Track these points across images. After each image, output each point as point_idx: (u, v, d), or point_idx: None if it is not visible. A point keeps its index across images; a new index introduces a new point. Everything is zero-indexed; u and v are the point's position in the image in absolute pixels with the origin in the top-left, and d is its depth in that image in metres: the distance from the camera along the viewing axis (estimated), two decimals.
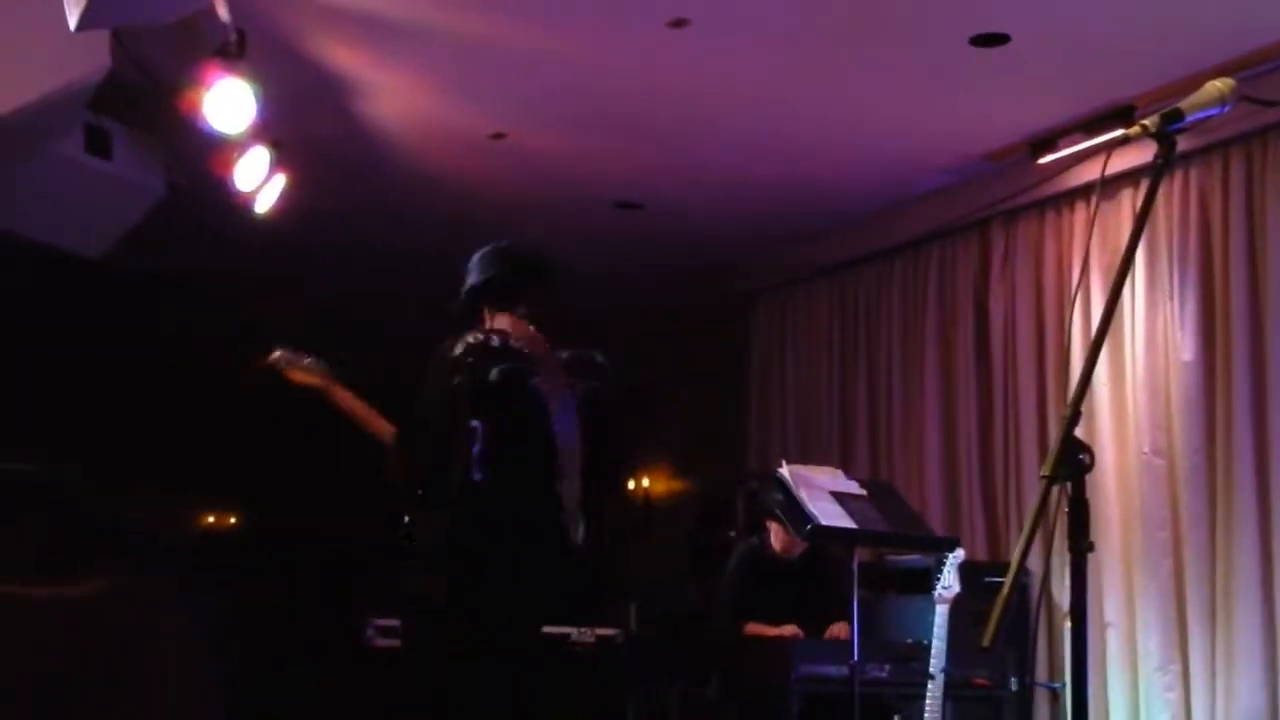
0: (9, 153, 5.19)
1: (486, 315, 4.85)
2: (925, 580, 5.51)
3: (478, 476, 4.52)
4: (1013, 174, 7.02)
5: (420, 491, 4.69)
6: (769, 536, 6.30)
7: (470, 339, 4.67)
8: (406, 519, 4.72)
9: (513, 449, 4.61)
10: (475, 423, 4.54)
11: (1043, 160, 6.72)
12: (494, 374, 4.63)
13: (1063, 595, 6.36)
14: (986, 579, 5.68)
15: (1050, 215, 7.06)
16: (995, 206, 7.25)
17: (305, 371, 5.07)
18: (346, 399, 4.99)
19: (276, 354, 5.07)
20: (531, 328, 4.78)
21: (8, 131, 4.91)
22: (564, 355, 4.84)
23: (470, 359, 4.61)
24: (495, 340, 4.67)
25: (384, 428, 4.90)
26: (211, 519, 13.42)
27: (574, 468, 4.67)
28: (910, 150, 7.05)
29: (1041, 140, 6.66)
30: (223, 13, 5.17)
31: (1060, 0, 5.43)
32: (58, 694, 1.04)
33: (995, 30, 5.62)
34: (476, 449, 4.53)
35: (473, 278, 4.96)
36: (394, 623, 6.69)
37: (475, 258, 5.02)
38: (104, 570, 1.10)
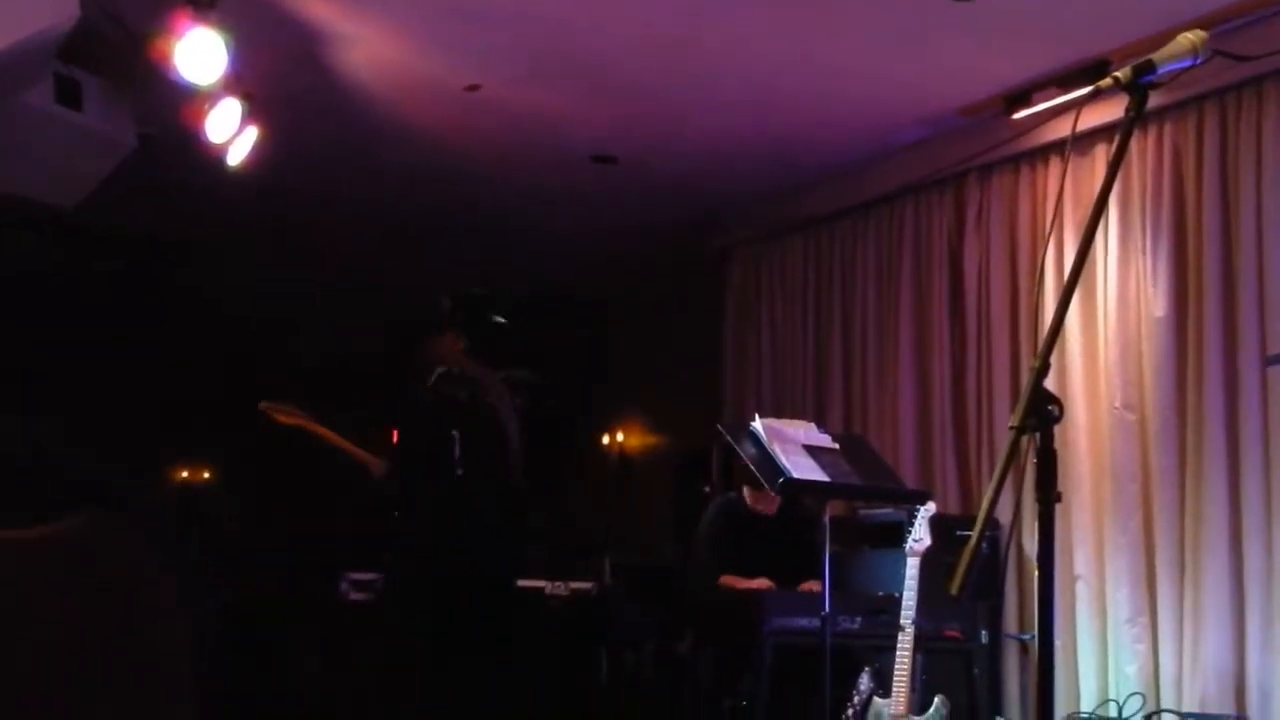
0: None
1: (447, 345, 6.16)
2: (898, 533, 5.53)
3: (460, 472, 5.92)
4: (988, 129, 7.02)
5: (410, 488, 6.05)
6: (744, 490, 6.31)
7: (440, 371, 6.09)
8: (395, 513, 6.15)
9: (482, 451, 6.01)
10: (454, 433, 5.95)
11: (1017, 115, 6.71)
12: (463, 396, 6.05)
13: (1033, 547, 6.40)
14: (958, 532, 5.71)
15: (1025, 170, 7.06)
16: (970, 161, 7.25)
17: (287, 414, 6.20)
18: (325, 433, 6.20)
19: (262, 405, 6.19)
20: (473, 358, 6.16)
21: None
22: (501, 375, 6.26)
23: (444, 386, 6.06)
24: (456, 370, 6.09)
25: (359, 452, 6.20)
26: (187, 474, 13.44)
27: (519, 461, 6.16)
28: (885, 104, 7.03)
29: (1016, 95, 6.65)
30: None
31: None
32: (45, 630, 1.04)
33: None
34: (457, 453, 5.92)
35: (446, 317, 6.26)
36: (369, 577, 6.74)
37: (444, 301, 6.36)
38: (82, 514, 1.10)
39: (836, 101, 7.00)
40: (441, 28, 6.24)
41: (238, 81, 5.81)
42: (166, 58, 5.38)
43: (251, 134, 6.19)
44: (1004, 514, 6.05)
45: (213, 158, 6.16)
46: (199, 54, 5.35)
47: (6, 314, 8.05)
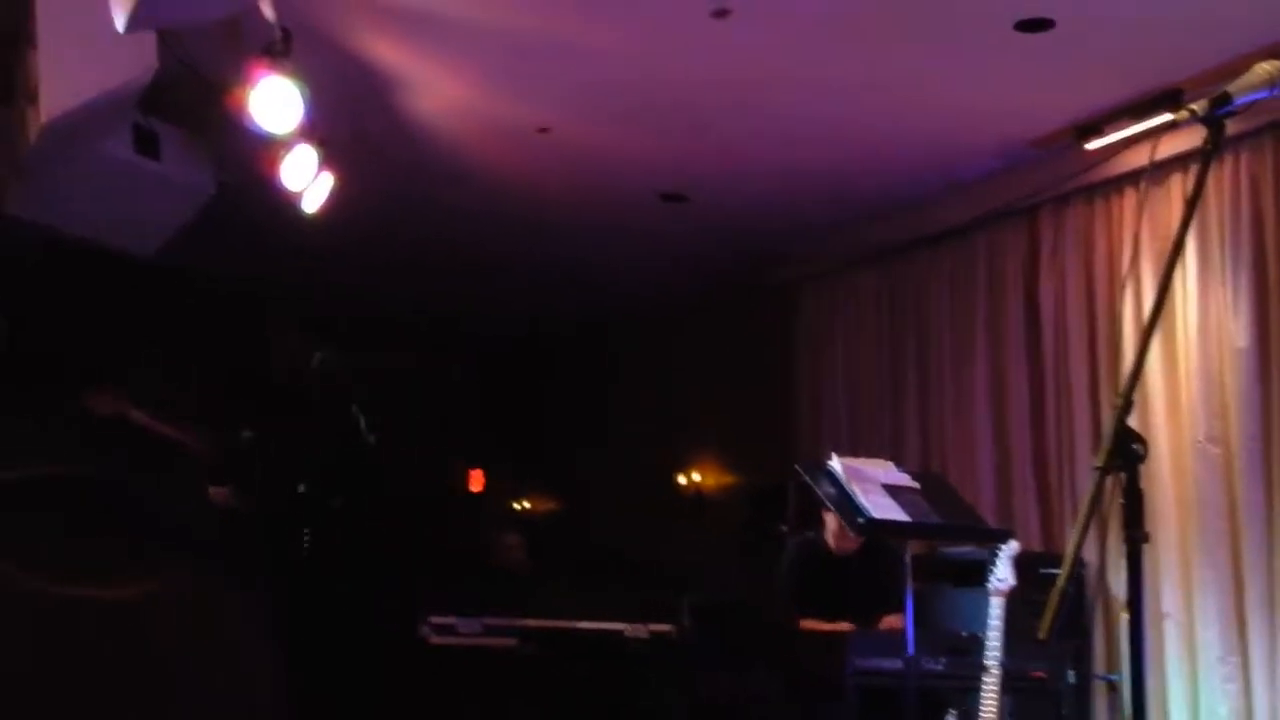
0: (60, 154, 5.23)
1: None
2: (980, 572, 5.44)
3: None
4: (1060, 160, 6.95)
5: None
6: (824, 530, 6.27)
7: None
8: None
9: None
10: None
11: (1090, 146, 6.65)
12: None
13: (1119, 586, 6.29)
14: (1041, 570, 5.62)
15: (1099, 201, 6.99)
16: (1043, 193, 7.19)
17: (104, 404, 5.90)
18: (145, 421, 5.91)
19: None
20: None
21: (59, 133, 4.94)
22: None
23: None
24: None
25: (170, 432, 6.11)
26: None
27: None
28: (956, 136, 6.99)
29: (1088, 125, 6.59)
30: (268, 11, 5.18)
31: None
32: (97, 701, 1.03)
33: (1040, 15, 5.57)
34: None
35: None
36: (451, 620, 6.72)
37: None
38: (157, 569, 1.10)
39: (907, 134, 6.97)
40: (511, 71, 6.29)
41: (312, 128, 5.87)
42: (242, 106, 5.45)
43: (327, 180, 6.25)
44: (1089, 550, 5.95)
45: (289, 204, 6.22)
46: (274, 102, 5.40)
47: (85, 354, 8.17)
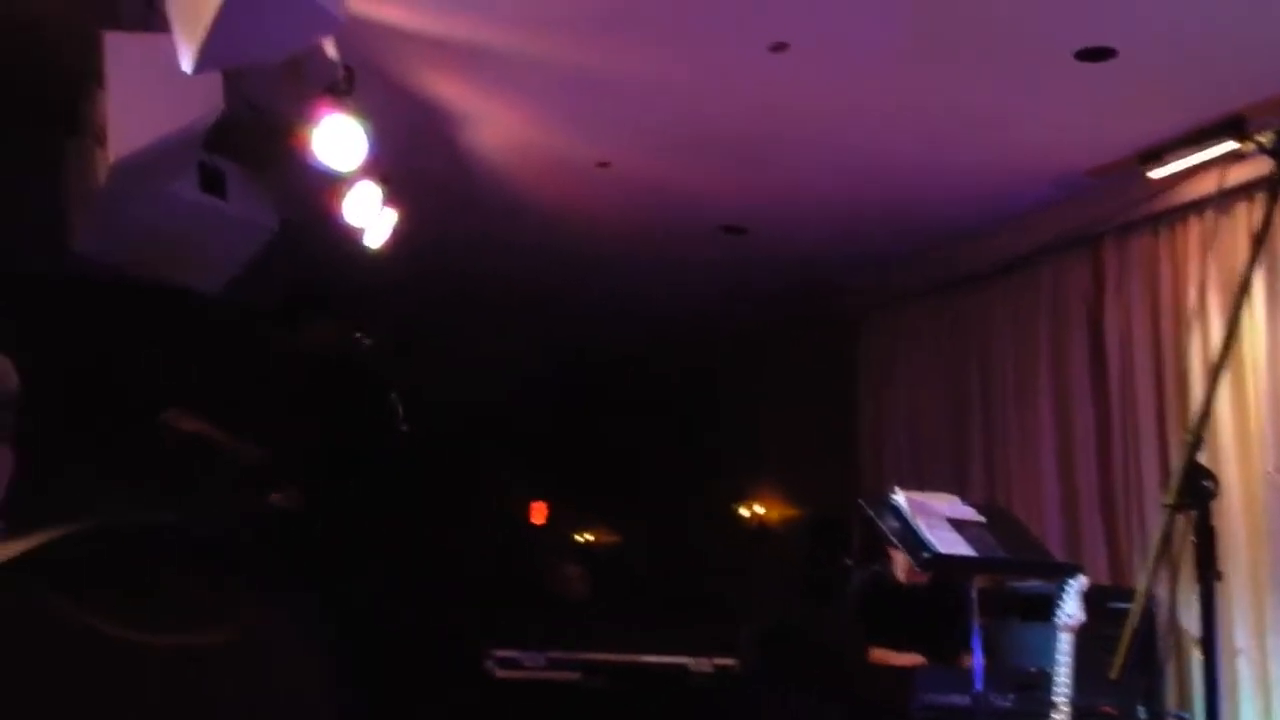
0: (128, 192, 5.30)
1: None
2: (1048, 606, 5.37)
3: None
4: (1123, 188, 6.89)
5: None
6: (890, 564, 6.22)
7: None
8: None
9: None
10: None
11: (1152, 174, 6.58)
12: None
13: (1190, 621, 6.19)
14: (1110, 604, 5.54)
15: (1164, 231, 6.91)
16: (1106, 222, 7.12)
17: (188, 422, 5.87)
18: (224, 440, 5.84)
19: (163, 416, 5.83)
20: None
21: (127, 172, 5.02)
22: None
23: None
24: None
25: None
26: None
27: None
28: (1017, 166, 6.95)
29: (1150, 153, 6.52)
30: (331, 51, 5.25)
31: (1165, 12, 5.32)
32: None
33: (1100, 44, 5.53)
34: None
35: None
36: (515, 654, 6.71)
37: None
38: (236, 616, 1.11)
39: (968, 164, 6.94)
40: (571, 106, 6.32)
41: (375, 164, 5.92)
42: (306, 144, 5.50)
43: (390, 217, 6.30)
44: (1159, 585, 5.86)
45: (351, 240, 6.27)
46: (337, 140, 5.46)
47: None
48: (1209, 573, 2.39)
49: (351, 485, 5.80)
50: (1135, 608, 2.30)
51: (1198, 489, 2.36)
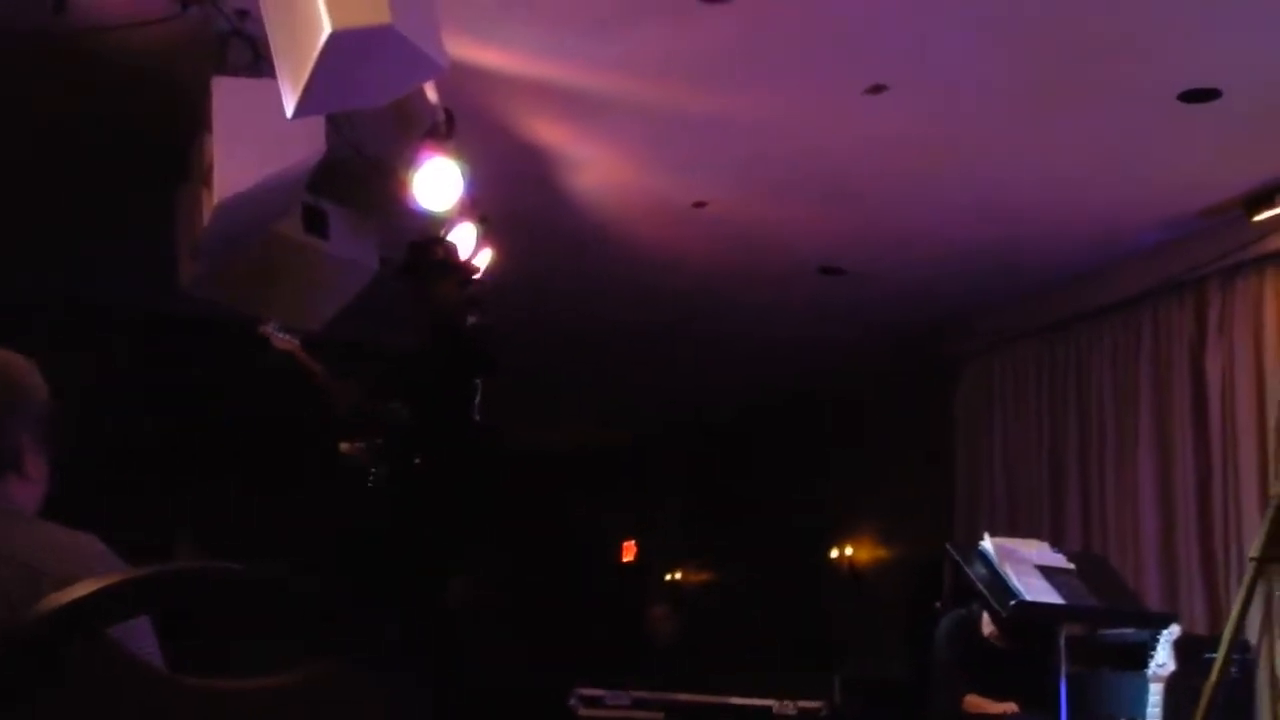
0: (232, 233, 5.43)
1: None
2: (1141, 655, 5.29)
3: None
4: (1228, 231, 6.80)
5: None
6: (982, 614, 6.14)
7: None
8: None
9: None
10: None
11: (1258, 217, 6.48)
12: None
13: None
14: (1206, 655, 5.42)
15: (1270, 273, 6.79)
16: (1211, 265, 7.02)
17: (286, 342, 5.85)
18: (313, 369, 5.79)
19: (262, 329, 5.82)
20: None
21: (231, 212, 5.14)
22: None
23: None
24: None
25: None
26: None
27: None
28: (1119, 208, 6.88)
29: (1256, 196, 6.44)
30: (431, 94, 5.35)
31: (1270, 54, 5.26)
32: None
33: (1205, 85, 5.48)
34: None
35: None
36: (600, 693, 6.74)
37: None
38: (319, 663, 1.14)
39: (1068, 206, 6.88)
40: (668, 147, 6.37)
41: (473, 205, 6.00)
42: (407, 186, 5.60)
43: (486, 257, 6.37)
44: (1252, 634, 5.74)
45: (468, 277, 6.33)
46: (437, 182, 5.54)
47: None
48: None
49: (423, 463, 5.78)
50: (1218, 662, 2.27)
51: None
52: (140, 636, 1.44)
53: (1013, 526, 7.18)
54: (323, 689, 1.19)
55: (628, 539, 12.54)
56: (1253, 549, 2.31)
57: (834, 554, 10.50)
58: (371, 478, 5.62)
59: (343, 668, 1.22)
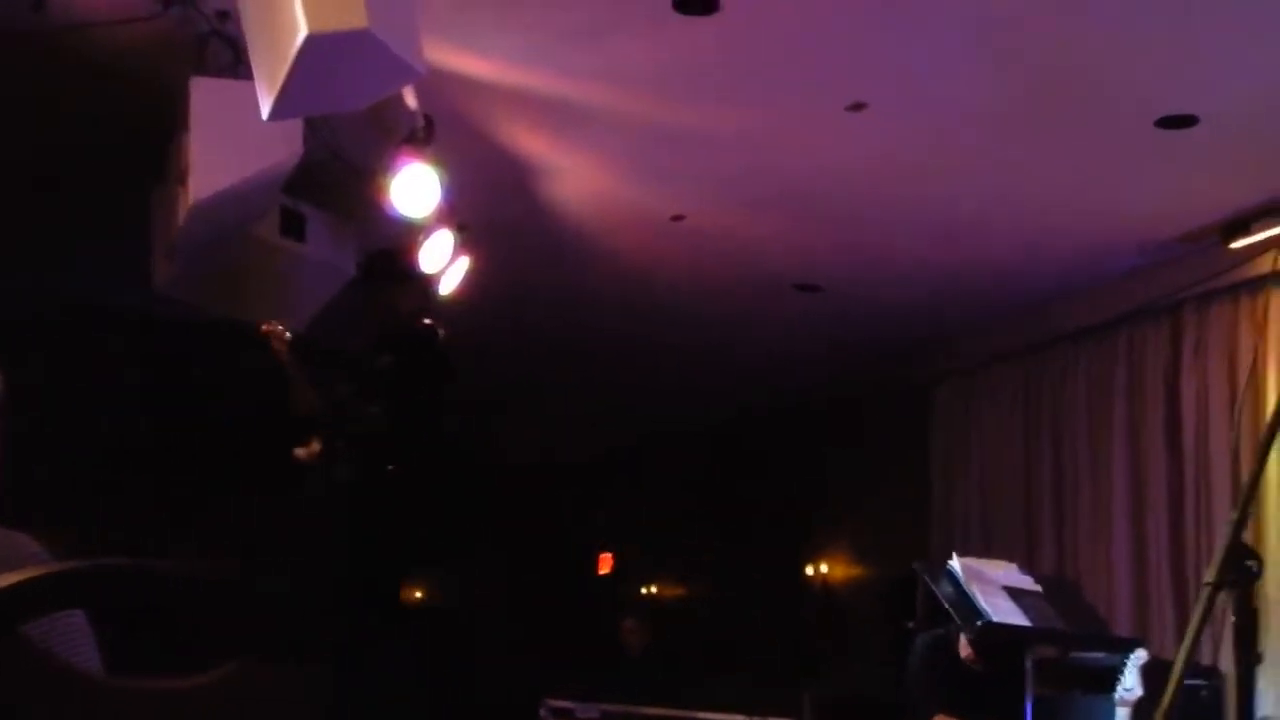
0: (208, 233, 5.41)
1: None
2: (1110, 679, 5.28)
3: None
4: (1204, 258, 6.81)
5: None
6: (958, 633, 6.13)
7: None
8: None
9: None
10: None
11: (1235, 244, 6.50)
12: None
13: (1260, 701, 6.05)
14: None
15: (1246, 300, 6.81)
16: (1186, 290, 7.03)
17: (281, 341, 5.86)
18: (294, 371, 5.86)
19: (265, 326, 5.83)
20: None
21: (207, 213, 5.12)
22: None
23: None
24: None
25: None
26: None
27: None
28: (1096, 233, 6.90)
29: (1233, 224, 6.45)
30: (411, 100, 5.33)
31: (1248, 81, 5.27)
32: None
33: (1182, 112, 5.49)
34: None
35: None
36: (569, 705, 6.72)
37: None
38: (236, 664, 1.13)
39: (1045, 230, 6.90)
40: (647, 159, 6.36)
41: (451, 212, 5.99)
42: (384, 191, 5.58)
43: (463, 264, 6.36)
44: (1224, 660, 5.73)
45: (425, 286, 6.33)
46: (414, 188, 5.53)
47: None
48: (1249, 656, 2.34)
49: (395, 466, 5.76)
50: (1168, 691, 2.26)
51: (1240, 568, 2.32)
52: (72, 636, 1.43)
53: (986, 547, 7.17)
54: (235, 687, 1.18)
55: (605, 551, 12.52)
56: (1208, 574, 2.29)
57: (809, 571, 10.49)
58: (327, 481, 5.61)
59: (256, 665, 1.21)
